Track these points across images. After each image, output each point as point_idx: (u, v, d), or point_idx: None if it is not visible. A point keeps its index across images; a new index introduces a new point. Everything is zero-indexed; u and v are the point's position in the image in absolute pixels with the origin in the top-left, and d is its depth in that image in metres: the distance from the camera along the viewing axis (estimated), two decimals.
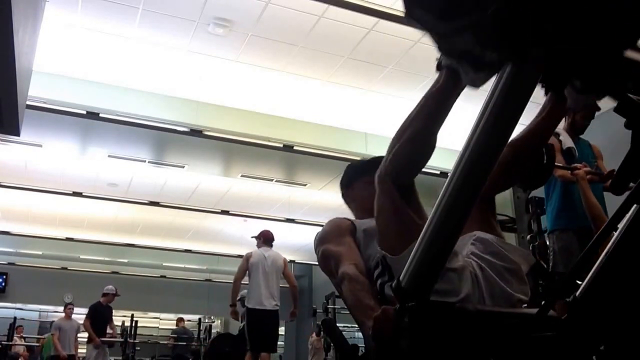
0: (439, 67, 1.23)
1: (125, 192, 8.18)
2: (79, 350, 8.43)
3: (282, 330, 13.49)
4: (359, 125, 6.36)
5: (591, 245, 0.90)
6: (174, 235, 10.67)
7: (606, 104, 1.20)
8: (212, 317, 14.03)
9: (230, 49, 5.03)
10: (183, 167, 7.02)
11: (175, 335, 10.21)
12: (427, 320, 0.96)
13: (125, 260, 12.42)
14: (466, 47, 0.51)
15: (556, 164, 2.50)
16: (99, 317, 7.63)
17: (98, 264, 12.27)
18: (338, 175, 6.83)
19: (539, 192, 3.54)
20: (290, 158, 6.59)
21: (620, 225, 0.86)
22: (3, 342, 9.30)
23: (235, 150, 6.28)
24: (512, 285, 1.27)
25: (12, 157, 6.99)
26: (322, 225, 1.62)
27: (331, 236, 1.54)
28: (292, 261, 12.17)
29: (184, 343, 9.99)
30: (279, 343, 13.83)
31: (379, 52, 5.04)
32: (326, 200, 8.28)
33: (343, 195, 1.82)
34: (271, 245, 5.75)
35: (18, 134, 4.41)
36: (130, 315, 8.80)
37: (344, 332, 1.39)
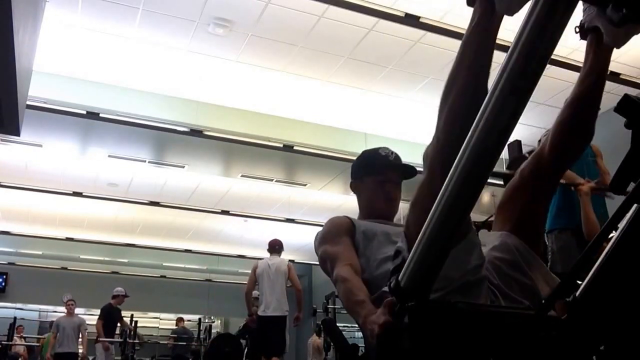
0: (470, 1, 1.09)
1: (125, 192, 8.18)
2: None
3: None
4: (359, 125, 6.36)
5: (591, 245, 0.90)
6: (174, 235, 10.67)
7: (606, 104, 1.20)
8: (212, 317, 14.02)
9: (230, 49, 5.03)
10: (183, 167, 7.02)
11: (175, 335, 10.21)
12: (427, 320, 0.96)
13: (125, 260, 12.42)
14: None
15: (561, 181, 2.47)
16: (110, 319, 7.74)
17: (98, 264, 12.27)
18: (338, 175, 6.84)
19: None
20: (290, 158, 6.59)
21: (621, 225, 0.86)
22: (3, 342, 9.28)
23: (235, 150, 6.28)
24: (520, 297, 1.22)
25: (12, 157, 6.99)
26: (322, 225, 1.62)
27: (329, 237, 1.54)
28: (292, 261, 12.15)
29: (184, 343, 9.98)
30: None
31: (379, 52, 5.04)
32: (326, 200, 8.28)
33: (351, 185, 1.76)
34: (278, 253, 5.87)
35: (18, 134, 4.41)
36: (130, 315, 8.79)
37: (344, 332, 1.39)
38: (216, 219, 9.60)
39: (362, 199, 1.73)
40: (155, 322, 14.01)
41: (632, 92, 3.71)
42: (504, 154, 4.83)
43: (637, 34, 0.97)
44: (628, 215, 0.83)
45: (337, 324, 1.55)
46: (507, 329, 1.03)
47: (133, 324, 8.26)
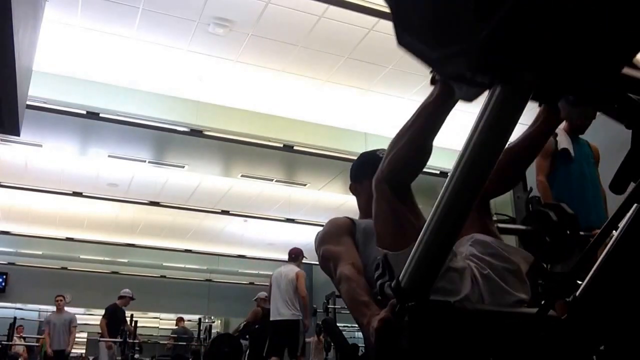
0: (433, 81, 1.27)
1: (125, 192, 8.18)
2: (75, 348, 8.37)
3: None
4: (359, 125, 6.37)
5: (591, 245, 0.90)
6: (174, 235, 10.67)
7: None
8: (212, 317, 14.02)
9: (230, 49, 5.03)
10: (183, 167, 7.02)
11: (175, 335, 10.21)
12: (427, 320, 0.96)
13: (125, 260, 12.42)
14: (457, 72, 0.52)
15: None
16: (115, 319, 7.76)
17: (98, 264, 12.28)
18: (338, 175, 6.83)
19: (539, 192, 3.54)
20: (290, 158, 6.59)
21: (621, 225, 0.86)
22: (3, 342, 9.28)
23: (235, 150, 6.28)
24: (513, 285, 1.28)
25: (12, 157, 6.99)
26: (322, 225, 1.63)
27: (330, 236, 1.55)
28: None
29: (184, 343, 9.98)
30: None
31: (379, 52, 5.04)
32: (326, 200, 8.28)
33: (351, 187, 1.81)
34: (294, 261, 6.09)
35: (18, 134, 4.41)
36: (130, 315, 8.79)
37: (344, 332, 1.40)
38: (216, 219, 9.60)
39: (362, 200, 1.74)
40: (155, 322, 14.02)
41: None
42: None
43: (592, 112, 1.03)
44: (628, 215, 0.83)
45: (337, 324, 1.55)
46: (507, 329, 1.03)
47: (133, 324, 8.26)
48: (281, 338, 5.72)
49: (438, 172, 5.54)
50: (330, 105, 5.99)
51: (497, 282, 1.27)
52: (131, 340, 7.80)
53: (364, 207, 1.73)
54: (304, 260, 6.31)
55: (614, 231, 0.88)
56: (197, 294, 12.84)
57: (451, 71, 0.53)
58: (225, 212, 8.97)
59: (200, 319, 11.13)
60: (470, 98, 0.58)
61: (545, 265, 3.23)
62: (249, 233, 10.49)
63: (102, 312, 8.03)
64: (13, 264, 11.71)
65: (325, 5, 4.36)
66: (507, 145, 1.36)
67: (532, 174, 3.18)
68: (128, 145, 6.40)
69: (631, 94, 0.61)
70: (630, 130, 0.76)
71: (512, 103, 0.67)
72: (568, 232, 1.61)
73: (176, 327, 10.70)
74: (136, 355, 7.72)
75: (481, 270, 1.28)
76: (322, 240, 1.57)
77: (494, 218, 1.59)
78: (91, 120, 5.43)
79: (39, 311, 12.93)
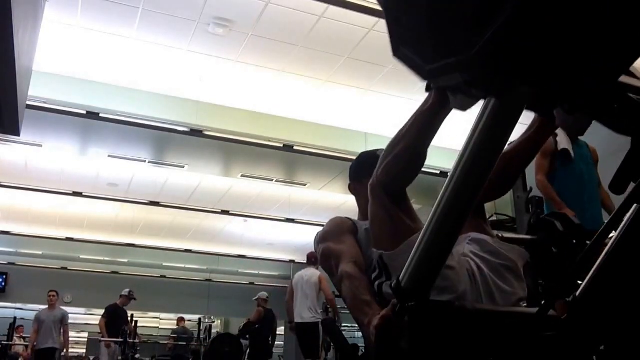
0: (428, 89, 1.27)
1: (125, 192, 8.18)
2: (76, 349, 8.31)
3: (282, 330, 13.53)
4: (359, 125, 6.36)
5: (591, 245, 0.90)
6: (174, 235, 10.67)
7: None
8: (212, 317, 14.02)
9: (230, 49, 5.03)
10: (183, 167, 7.02)
11: (176, 335, 10.21)
12: (427, 320, 0.96)
13: (125, 260, 12.42)
14: (452, 84, 0.52)
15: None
16: (116, 319, 7.71)
17: (98, 264, 12.27)
18: (338, 175, 6.82)
19: (539, 192, 3.54)
20: (290, 158, 6.59)
21: (620, 225, 0.86)
22: (3, 342, 9.28)
23: (235, 150, 6.28)
24: (510, 282, 1.30)
25: (12, 157, 6.99)
26: (322, 225, 1.63)
27: (331, 235, 1.55)
28: (292, 261, 12.18)
29: (184, 343, 9.98)
30: (279, 343, 13.81)
31: (379, 52, 5.04)
32: (326, 200, 8.28)
33: (350, 186, 1.81)
34: (313, 265, 6.27)
35: (18, 134, 4.41)
36: (130, 315, 8.79)
37: (344, 332, 1.40)
38: (216, 219, 9.60)
39: (362, 200, 1.74)
40: (155, 322, 14.02)
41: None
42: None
43: (588, 120, 1.02)
44: (628, 215, 0.83)
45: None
46: (507, 329, 1.03)
47: (133, 324, 8.26)
48: (302, 340, 6.01)
49: (438, 172, 5.54)
50: (330, 105, 5.99)
51: (494, 280, 1.28)
52: (132, 340, 7.79)
53: (364, 207, 1.73)
54: (304, 261, 6.38)
55: (613, 231, 0.88)
56: (197, 294, 12.83)
57: (446, 84, 0.53)
58: (225, 212, 8.97)
59: (200, 319, 11.13)
60: (464, 108, 0.59)
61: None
62: (249, 233, 10.49)
63: (103, 312, 8.00)
64: (13, 264, 11.70)
65: (325, 5, 4.36)
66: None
67: (532, 174, 3.18)
68: (128, 145, 6.40)
69: (623, 99, 0.61)
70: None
71: (506, 114, 0.68)
72: (574, 241, 1.61)
73: (177, 327, 10.71)
74: (137, 355, 7.71)
75: (479, 268, 1.29)
76: (323, 239, 1.56)
77: (494, 218, 1.60)
78: (91, 120, 5.43)
79: (39, 311, 12.93)
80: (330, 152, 6.24)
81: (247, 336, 7.32)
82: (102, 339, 7.58)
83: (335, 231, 1.56)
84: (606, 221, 0.83)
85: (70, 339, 8.02)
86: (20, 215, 9.62)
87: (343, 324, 6.28)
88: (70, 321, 7.99)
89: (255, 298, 7.84)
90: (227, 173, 7.52)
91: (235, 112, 5.99)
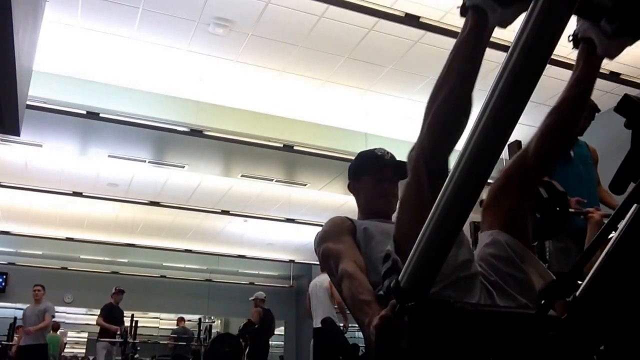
0: (463, 11, 1.11)
1: (125, 192, 8.17)
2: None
3: (282, 330, 13.54)
4: (359, 125, 6.36)
5: (591, 245, 0.90)
6: (174, 235, 10.67)
7: (606, 103, 1.20)
8: (212, 317, 14.02)
9: (230, 49, 5.03)
10: (183, 167, 7.02)
11: (176, 335, 10.21)
12: (427, 320, 0.96)
13: (125, 260, 12.42)
14: None
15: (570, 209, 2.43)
16: (112, 318, 7.74)
17: (98, 264, 12.27)
18: (338, 175, 6.83)
19: None
20: (290, 158, 6.59)
21: (620, 225, 0.86)
22: (3, 342, 9.28)
23: (236, 150, 6.28)
24: (514, 288, 1.24)
25: (12, 157, 6.99)
26: (322, 225, 1.62)
27: (331, 235, 1.54)
28: (292, 261, 12.18)
29: (184, 343, 9.98)
30: (280, 343, 13.78)
31: (379, 52, 5.04)
32: (326, 200, 8.27)
33: (349, 185, 1.80)
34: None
35: (18, 134, 4.41)
36: (130, 315, 8.79)
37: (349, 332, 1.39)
38: (216, 219, 9.60)
39: (361, 198, 1.75)
40: (156, 322, 14.01)
41: (632, 92, 3.71)
42: (504, 154, 4.83)
43: (629, 45, 0.98)
44: (628, 215, 0.83)
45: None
46: (507, 329, 1.03)
47: (133, 324, 8.26)
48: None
49: None
50: (330, 105, 5.99)
51: (503, 288, 1.23)
52: (131, 340, 7.79)
53: (363, 206, 1.73)
54: (304, 260, 6.40)
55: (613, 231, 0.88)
56: (197, 294, 12.84)
57: None
58: (225, 212, 8.97)
59: (200, 319, 11.13)
60: (506, 21, 0.56)
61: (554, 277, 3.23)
62: (249, 233, 10.49)
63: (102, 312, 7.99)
64: (13, 264, 11.70)
65: (325, 5, 4.36)
66: (550, 109, 1.33)
67: None
68: (128, 145, 6.40)
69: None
70: (630, 131, 0.76)
71: (554, 14, 0.62)
72: (558, 208, 1.61)
73: (177, 326, 10.71)
74: (136, 356, 7.71)
75: (488, 277, 1.25)
76: (322, 239, 1.56)
77: None
78: (91, 120, 5.43)
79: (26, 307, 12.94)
80: (330, 152, 6.24)
81: (247, 336, 7.33)
82: (102, 339, 7.56)
83: (334, 231, 1.55)
84: (606, 221, 0.83)
85: (70, 339, 8.00)
86: (20, 215, 9.62)
87: (350, 324, 6.32)
88: (70, 321, 7.98)
89: (253, 298, 7.85)
90: (227, 173, 7.52)
91: (235, 112, 5.99)
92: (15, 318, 9.98)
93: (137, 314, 8.81)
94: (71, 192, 8.07)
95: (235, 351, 6.89)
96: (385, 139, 6.12)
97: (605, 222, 2.73)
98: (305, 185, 7.72)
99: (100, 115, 5.38)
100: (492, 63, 1.38)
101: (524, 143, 1.42)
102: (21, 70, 3.37)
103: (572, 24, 1.24)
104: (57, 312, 11.53)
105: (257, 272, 13.34)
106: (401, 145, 4.51)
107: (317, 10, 4.48)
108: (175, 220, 9.80)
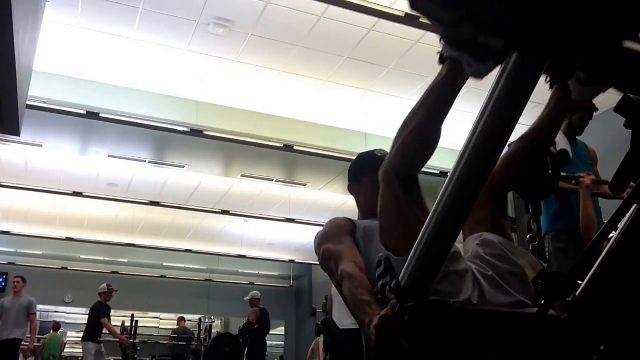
0: (441, 60, 1.22)
1: (125, 192, 8.17)
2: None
3: (282, 330, 13.54)
4: (359, 125, 6.36)
5: (591, 245, 0.90)
6: (174, 235, 10.67)
7: (606, 103, 1.20)
8: (212, 317, 14.02)
9: (230, 49, 5.03)
10: (183, 167, 7.02)
11: (176, 335, 10.21)
12: (426, 320, 0.96)
13: (125, 260, 12.41)
14: (470, 36, 0.51)
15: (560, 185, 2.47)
16: (109, 317, 7.58)
17: (98, 264, 12.26)
18: (338, 175, 6.83)
19: None
20: (290, 158, 6.59)
21: (620, 225, 0.86)
22: None
23: (236, 150, 6.28)
24: (513, 286, 1.26)
25: (12, 157, 6.99)
26: (322, 225, 1.63)
27: (331, 236, 1.55)
28: (292, 261, 12.18)
29: (184, 343, 9.98)
30: (280, 344, 13.81)
31: (379, 52, 5.04)
32: (326, 200, 8.27)
33: (349, 187, 1.81)
34: None
35: (18, 134, 4.41)
36: (130, 315, 8.79)
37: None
38: (216, 219, 9.60)
39: (360, 199, 1.75)
40: (156, 322, 14.01)
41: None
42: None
43: (603, 92, 1.01)
44: (628, 215, 0.83)
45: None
46: (507, 329, 1.03)
47: (133, 324, 8.25)
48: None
49: (438, 172, 5.54)
50: (330, 105, 5.99)
51: (498, 283, 1.25)
52: (132, 341, 7.79)
53: (363, 207, 1.73)
54: (304, 260, 6.36)
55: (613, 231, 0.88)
56: (197, 294, 12.83)
57: (464, 36, 0.51)
58: (225, 212, 8.96)
59: (200, 319, 11.13)
60: (480, 74, 0.57)
61: (544, 265, 3.23)
62: (249, 233, 10.49)
63: (101, 312, 7.69)
64: (13, 264, 11.69)
65: (325, 5, 4.36)
66: (522, 134, 1.38)
67: None
68: (128, 145, 6.40)
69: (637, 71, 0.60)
70: (630, 131, 0.76)
71: (526, 74, 0.65)
72: (550, 171, 1.62)
73: (177, 326, 10.71)
74: (136, 355, 7.70)
75: (483, 272, 1.26)
76: (322, 240, 1.56)
77: None
78: (91, 120, 5.42)
79: (40, 311, 12.92)
80: (330, 152, 6.23)
81: (247, 336, 7.33)
82: (102, 339, 7.54)
83: (334, 232, 1.56)
84: (606, 221, 0.83)
85: (70, 339, 7.92)
86: (20, 215, 9.62)
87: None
88: (70, 321, 7.91)
89: (249, 298, 7.84)
90: (227, 173, 7.52)
91: (235, 112, 5.99)
92: None
93: (137, 314, 8.80)
94: (71, 192, 8.07)
95: (235, 351, 6.89)
96: (385, 139, 6.11)
97: (596, 188, 2.76)
98: (305, 185, 7.72)
99: (101, 115, 5.38)
100: None
101: None
102: (21, 70, 3.37)
103: None
104: (57, 312, 11.55)
105: (257, 272, 13.34)
106: None
107: (317, 10, 4.48)
108: (176, 220, 9.80)
